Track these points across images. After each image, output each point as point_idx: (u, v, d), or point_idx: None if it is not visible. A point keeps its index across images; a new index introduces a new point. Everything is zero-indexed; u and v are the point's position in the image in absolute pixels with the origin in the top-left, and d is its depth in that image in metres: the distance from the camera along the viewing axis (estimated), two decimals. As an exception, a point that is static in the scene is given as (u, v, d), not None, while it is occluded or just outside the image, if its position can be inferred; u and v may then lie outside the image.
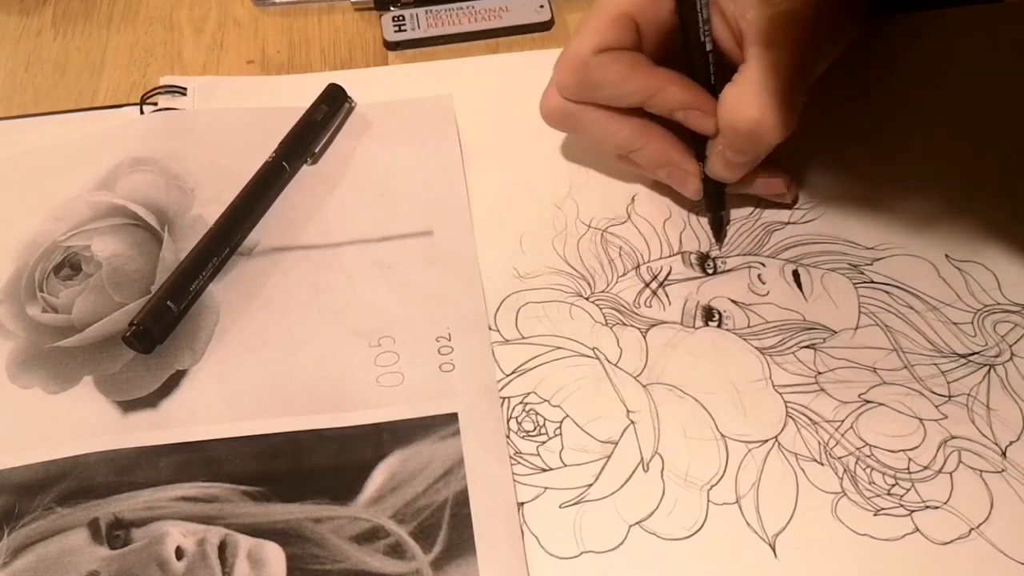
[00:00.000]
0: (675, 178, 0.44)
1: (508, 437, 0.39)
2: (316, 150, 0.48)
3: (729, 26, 0.41)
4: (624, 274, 0.44)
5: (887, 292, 0.43)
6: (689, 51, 0.41)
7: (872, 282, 0.43)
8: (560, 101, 0.43)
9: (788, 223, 0.45)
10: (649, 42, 0.42)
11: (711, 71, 0.41)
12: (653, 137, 0.43)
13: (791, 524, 0.36)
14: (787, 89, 0.39)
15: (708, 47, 0.41)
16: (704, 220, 0.45)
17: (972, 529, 0.36)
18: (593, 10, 0.42)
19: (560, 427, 0.39)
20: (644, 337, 0.41)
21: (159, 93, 0.51)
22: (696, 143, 0.43)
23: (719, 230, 0.44)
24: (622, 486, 0.37)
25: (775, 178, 0.44)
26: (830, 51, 0.42)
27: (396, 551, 0.36)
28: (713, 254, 0.44)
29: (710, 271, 0.44)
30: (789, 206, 0.45)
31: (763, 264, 0.44)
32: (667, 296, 0.43)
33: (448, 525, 0.36)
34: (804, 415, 0.39)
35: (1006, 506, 0.37)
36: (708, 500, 0.37)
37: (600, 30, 0.41)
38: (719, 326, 0.42)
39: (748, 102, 0.39)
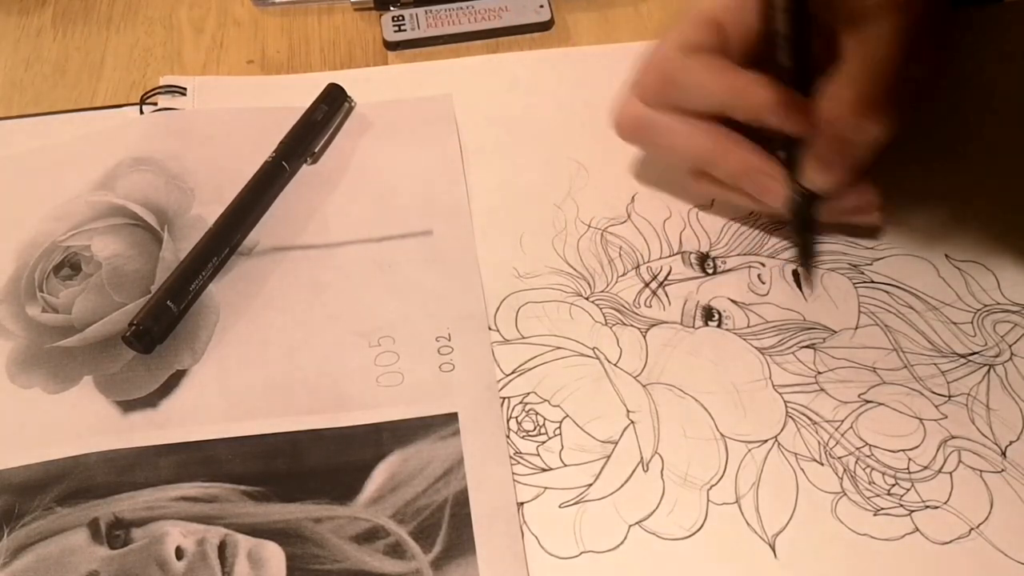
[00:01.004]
0: (761, 186, 0.41)
1: (508, 437, 0.39)
2: (316, 150, 0.48)
3: (817, 24, 0.40)
4: (624, 274, 0.44)
5: (887, 292, 0.43)
6: (783, 53, 0.39)
7: (872, 282, 0.43)
8: (638, 108, 0.42)
9: (869, 233, 0.45)
10: (735, 48, 0.41)
11: (807, 68, 0.39)
12: (733, 146, 0.41)
13: (791, 524, 0.36)
14: (890, 83, 0.38)
15: (804, 41, 0.39)
16: (704, 219, 0.45)
17: (972, 529, 0.36)
18: (681, 17, 0.41)
19: (560, 427, 0.39)
20: (644, 337, 0.41)
21: (159, 93, 0.51)
22: (788, 153, 0.40)
23: (808, 255, 0.42)
24: (622, 486, 0.37)
25: (867, 193, 0.42)
26: (922, 56, 0.40)
27: (396, 551, 0.36)
28: (713, 254, 0.44)
29: (710, 271, 0.44)
30: (874, 235, 0.43)
31: (763, 264, 0.44)
32: (667, 296, 0.43)
33: (448, 525, 0.36)
34: (804, 415, 0.39)
35: (1006, 506, 0.37)
36: (708, 500, 0.37)
37: (687, 32, 0.41)
38: (719, 326, 0.42)
39: (852, 94, 0.38)
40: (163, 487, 0.37)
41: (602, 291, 0.43)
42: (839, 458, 0.38)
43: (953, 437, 0.38)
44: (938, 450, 0.38)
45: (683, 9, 0.42)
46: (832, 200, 0.41)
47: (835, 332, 0.41)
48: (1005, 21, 0.52)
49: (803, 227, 0.42)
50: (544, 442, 0.39)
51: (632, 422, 0.39)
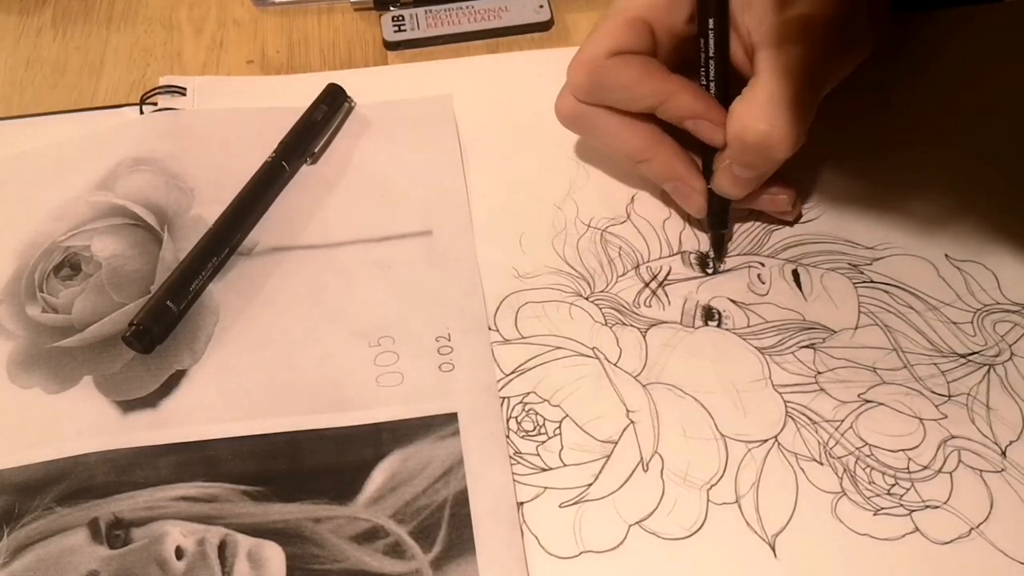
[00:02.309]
0: (680, 193, 0.43)
1: (508, 437, 0.39)
2: (316, 150, 0.48)
3: (742, 40, 0.41)
4: (624, 274, 0.44)
5: (887, 292, 0.43)
6: (704, 60, 0.41)
7: (872, 282, 0.43)
8: (573, 103, 0.43)
9: (788, 223, 0.45)
10: (664, 49, 0.42)
11: (726, 82, 0.41)
12: (662, 149, 0.43)
13: (791, 524, 0.36)
14: (797, 102, 0.38)
15: (724, 57, 0.41)
16: (704, 220, 0.45)
17: (972, 529, 0.36)
18: (607, 13, 0.42)
19: (560, 427, 0.39)
20: (644, 337, 0.41)
21: (159, 93, 0.51)
22: (705, 158, 0.42)
23: (720, 248, 0.44)
24: (622, 486, 0.37)
25: (780, 195, 0.43)
26: (844, 63, 0.42)
27: (396, 551, 0.36)
28: (713, 254, 0.44)
29: (710, 271, 0.44)
30: (791, 223, 0.45)
31: (763, 264, 0.44)
32: (667, 296, 0.43)
33: (448, 525, 0.36)
34: (804, 415, 0.39)
35: (1006, 506, 0.37)
36: (708, 500, 0.37)
37: (614, 33, 0.41)
38: (719, 326, 0.42)
39: (757, 115, 0.39)
40: (163, 487, 0.37)
41: (602, 291, 0.43)
42: (839, 458, 0.38)
43: (953, 437, 0.38)
44: (938, 450, 0.38)
45: (610, 7, 0.42)
46: (745, 201, 0.43)
47: (835, 332, 0.41)
48: (1005, 21, 0.52)
49: (717, 225, 0.44)
50: (544, 442, 0.39)
51: (632, 422, 0.39)
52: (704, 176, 0.43)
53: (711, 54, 0.41)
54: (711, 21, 0.40)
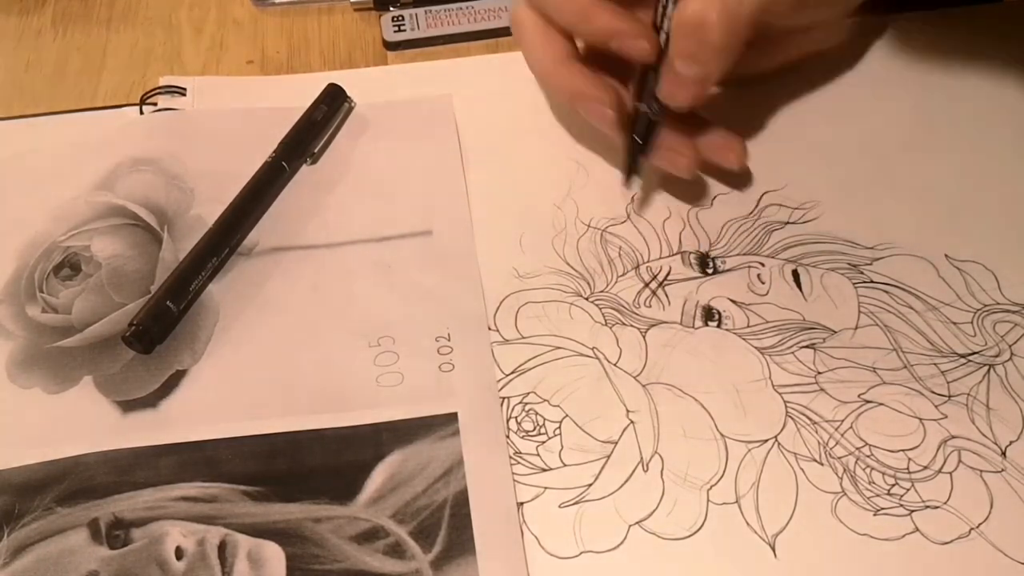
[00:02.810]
0: (590, 112, 0.44)
1: (508, 437, 0.39)
2: (316, 150, 0.48)
3: None
4: (624, 274, 0.44)
5: (887, 292, 0.43)
6: None
7: (872, 282, 0.43)
8: (522, 7, 0.44)
9: (788, 223, 0.45)
10: None
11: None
12: (571, 68, 0.43)
13: (791, 524, 0.36)
14: None
15: None
16: (704, 219, 0.45)
17: (972, 529, 0.36)
18: None
19: (560, 427, 0.39)
20: (644, 337, 0.41)
21: (159, 93, 0.51)
22: (641, 80, 0.42)
23: (634, 160, 0.44)
24: (622, 486, 0.37)
25: (730, 136, 0.44)
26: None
27: (396, 551, 0.36)
28: (713, 254, 0.44)
29: (710, 271, 0.44)
30: (738, 176, 0.45)
31: (763, 264, 0.44)
32: (667, 296, 0.43)
33: (448, 525, 0.36)
34: (804, 415, 0.39)
35: (1006, 506, 0.37)
36: (708, 500, 0.37)
37: None
38: (719, 326, 0.42)
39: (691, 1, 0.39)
40: (163, 487, 0.37)
41: (602, 291, 0.43)
42: (839, 458, 0.38)
43: (953, 437, 0.38)
44: (938, 450, 0.38)
45: None
46: (698, 138, 0.43)
47: (835, 332, 0.41)
48: (1005, 21, 0.52)
49: (637, 144, 0.44)
50: (544, 442, 0.39)
51: (632, 422, 0.39)
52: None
53: None
54: None
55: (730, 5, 0.39)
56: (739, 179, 0.46)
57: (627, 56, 0.42)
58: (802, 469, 0.38)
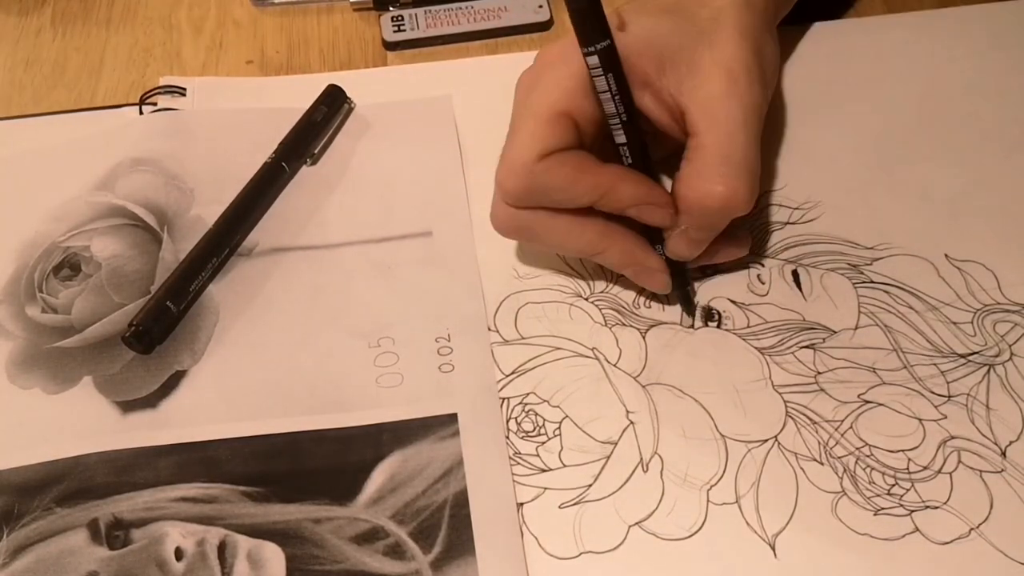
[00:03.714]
0: (642, 276, 0.41)
1: (507, 438, 0.39)
2: (316, 151, 0.48)
3: (666, 105, 0.39)
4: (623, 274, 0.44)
5: (887, 292, 0.43)
6: (620, 138, 0.38)
7: (872, 282, 0.43)
8: (511, 212, 0.40)
9: (788, 223, 0.45)
10: (588, 137, 0.39)
11: (645, 154, 0.39)
12: (615, 238, 0.40)
13: (791, 524, 0.36)
14: (747, 155, 0.38)
15: (636, 131, 0.38)
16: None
17: (972, 529, 0.36)
18: (524, 112, 0.39)
19: (559, 427, 0.39)
20: (643, 337, 0.41)
21: (158, 93, 0.51)
22: (651, 231, 0.40)
23: (689, 304, 0.42)
24: (621, 486, 0.37)
25: (736, 243, 0.42)
26: (768, 96, 0.41)
27: (396, 552, 0.36)
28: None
29: (709, 272, 0.44)
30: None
31: (762, 264, 0.44)
32: (666, 296, 0.43)
33: (448, 525, 0.36)
34: (804, 415, 0.39)
35: (1006, 506, 0.37)
36: (708, 500, 0.37)
37: (539, 134, 0.38)
38: (718, 326, 0.42)
39: (714, 178, 0.37)
40: (163, 488, 0.37)
41: (601, 292, 0.43)
42: (839, 458, 0.38)
43: (953, 437, 0.38)
44: (938, 450, 0.38)
45: (523, 106, 0.39)
46: (702, 258, 0.41)
47: (835, 332, 0.41)
48: (1005, 21, 0.52)
49: (682, 285, 0.42)
50: (544, 443, 0.39)
51: (632, 422, 0.39)
52: (660, 255, 0.41)
53: (624, 121, 0.38)
54: (615, 96, 0.37)
55: (748, 172, 0.37)
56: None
57: (643, 222, 0.39)
58: (802, 469, 0.38)
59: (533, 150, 0.38)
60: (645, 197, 0.38)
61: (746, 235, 0.43)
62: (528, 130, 0.38)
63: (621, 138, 0.38)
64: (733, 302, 0.42)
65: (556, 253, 0.44)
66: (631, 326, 0.42)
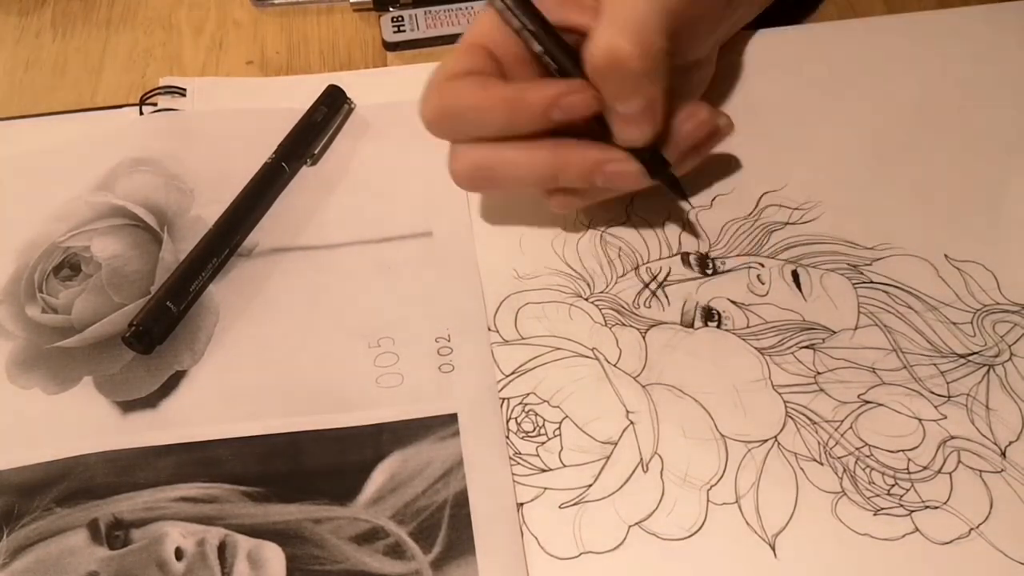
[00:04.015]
0: (614, 176, 0.39)
1: (507, 438, 0.39)
2: (316, 151, 0.48)
3: (580, 4, 0.39)
4: (623, 275, 0.44)
5: (886, 292, 0.43)
6: (539, 51, 0.39)
7: (871, 282, 0.43)
8: (461, 155, 0.40)
9: (788, 223, 0.45)
10: (510, 73, 0.40)
11: (569, 51, 0.39)
12: (570, 149, 0.39)
13: (791, 524, 0.36)
14: (635, 11, 0.36)
15: (552, 33, 0.39)
16: (704, 220, 0.45)
17: (972, 529, 0.36)
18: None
19: (559, 428, 0.39)
20: (643, 337, 0.42)
21: (158, 94, 0.51)
22: (606, 137, 0.39)
23: (678, 187, 0.41)
24: (621, 486, 0.37)
25: (698, 112, 0.40)
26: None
27: (396, 551, 0.36)
28: (712, 254, 0.44)
29: (709, 272, 0.44)
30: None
31: (762, 264, 0.44)
32: (666, 297, 0.43)
33: (448, 526, 0.36)
34: (803, 415, 0.39)
35: (1006, 506, 0.37)
36: (708, 500, 0.37)
37: (452, 60, 0.39)
38: (718, 326, 0.42)
39: (597, 39, 0.36)
40: (163, 487, 0.37)
41: (601, 292, 0.43)
42: (839, 458, 0.38)
43: (953, 437, 0.38)
44: (938, 450, 0.38)
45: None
46: (672, 137, 0.40)
47: (834, 332, 0.41)
48: (1005, 21, 0.52)
49: (661, 172, 0.40)
50: (544, 443, 0.39)
51: (632, 423, 0.39)
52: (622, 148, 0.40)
53: (534, 30, 0.38)
54: (514, 9, 0.38)
55: (638, 26, 0.36)
56: (738, 177, 0.46)
57: (573, 117, 0.38)
58: (802, 469, 0.38)
59: (443, 73, 0.39)
60: (557, 92, 0.37)
61: (714, 112, 0.40)
62: (443, 62, 0.40)
63: (536, 47, 0.39)
64: (733, 302, 0.43)
65: (519, 190, 0.43)
66: (631, 326, 0.42)
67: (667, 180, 0.41)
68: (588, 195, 0.42)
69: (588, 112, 0.38)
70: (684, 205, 0.45)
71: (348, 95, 0.50)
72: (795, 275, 0.43)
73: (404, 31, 0.53)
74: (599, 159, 0.39)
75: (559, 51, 0.39)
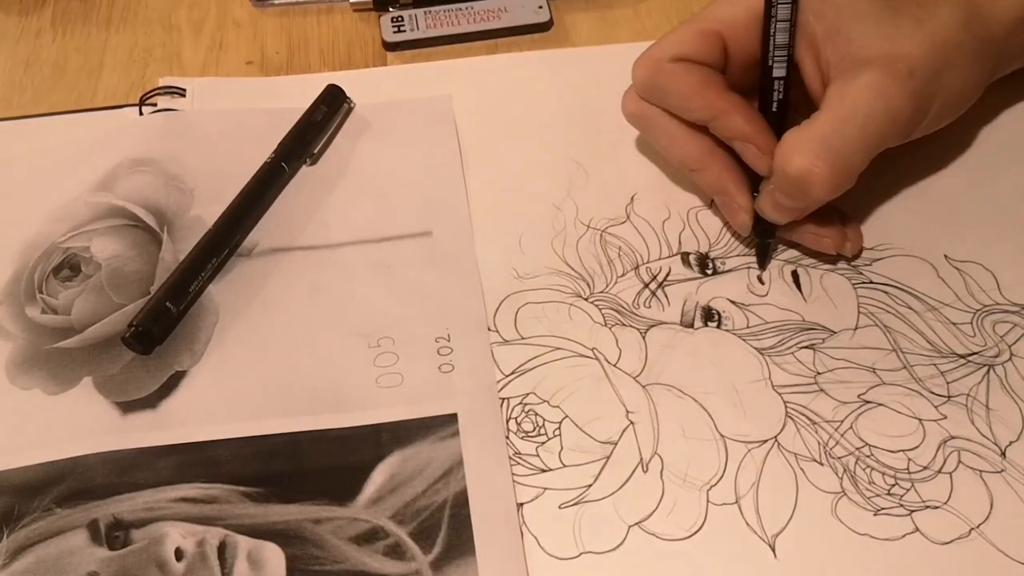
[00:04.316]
0: (727, 208, 0.43)
1: (507, 438, 0.39)
2: (315, 151, 0.48)
3: (821, 71, 0.40)
4: (623, 274, 0.44)
5: (886, 292, 0.43)
6: (766, 84, 0.40)
7: (871, 282, 0.43)
8: (637, 101, 0.43)
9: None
10: (735, 67, 0.41)
11: (784, 112, 0.40)
12: (714, 161, 0.42)
13: (791, 524, 0.36)
14: (849, 148, 0.38)
15: (787, 85, 0.40)
16: (703, 220, 0.45)
17: (972, 529, 0.36)
18: (691, 19, 0.42)
19: (559, 428, 0.39)
20: (643, 337, 0.41)
21: (158, 94, 0.51)
22: (754, 176, 0.42)
23: (765, 258, 0.43)
24: (621, 487, 0.37)
25: (824, 237, 0.42)
26: (913, 126, 0.40)
27: (396, 552, 0.36)
28: (712, 255, 0.44)
29: (709, 272, 0.44)
30: (848, 259, 0.43)
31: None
32: (666, 297, 0.43)
33: (447, 526, 0.36)
34: (803, 415, 0.39)
35: (1006, 506, 0.37)
36: (707, 500, 0.37)
37: (684, 39, 0.41)
38: (718, 327, 0.42)
39: (802, 149, 0.38)
40: (163, 488, 0.37)
41: (601, 292, 0.43)
42: (839, 458, 0.38)
43: (953, 437, 0.38)
44: (938, 450, 0.38)
45: (692, 13, 0.42)
46: (789, 231, 0.43)
47: (834, 332, 0.41)
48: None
49: (762, 234, 0.43)
50: (543, 443, 0.39)
51: (631, 423, 0.39)
52: (751, 196, 0.42)
53: (774, 76, 0.40)
54: (776, 46, 0.39)
55: (838, 162, 0.37)
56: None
57: (743, 158, 0.41)
58: (802, 469, 0.38)
59: (670, 50, 0.41)
60: (752, 136, 0.40)
61: (835, 233, 0.42)
62: (678, 33, 0.41)
63: (781, 72, 0.40)
64: (733, 302, 0.43)
65: (661, 152, 0.45)
66: (631, 326, 0.42)
67: (761, 246, 0.43)
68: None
69: (757, 171, 0.41)
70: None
71: (348, 95, 0.50)
72: (795, 275, 0.43)
73: (404, 31, 0.53)
74: (728, 191, 0.42)
75: (781, 100, 0.40)
